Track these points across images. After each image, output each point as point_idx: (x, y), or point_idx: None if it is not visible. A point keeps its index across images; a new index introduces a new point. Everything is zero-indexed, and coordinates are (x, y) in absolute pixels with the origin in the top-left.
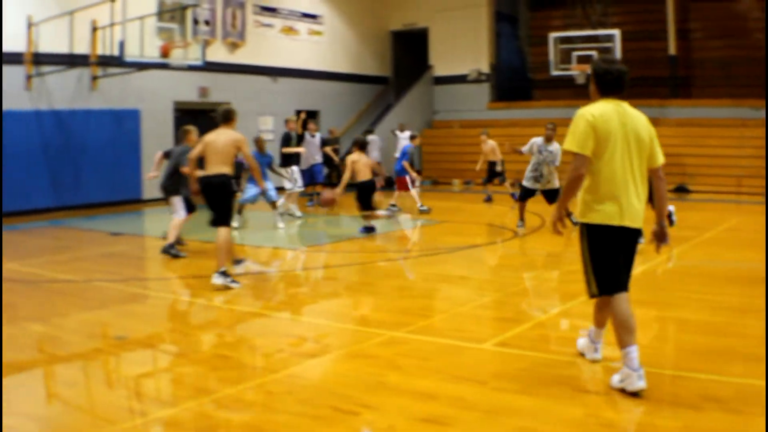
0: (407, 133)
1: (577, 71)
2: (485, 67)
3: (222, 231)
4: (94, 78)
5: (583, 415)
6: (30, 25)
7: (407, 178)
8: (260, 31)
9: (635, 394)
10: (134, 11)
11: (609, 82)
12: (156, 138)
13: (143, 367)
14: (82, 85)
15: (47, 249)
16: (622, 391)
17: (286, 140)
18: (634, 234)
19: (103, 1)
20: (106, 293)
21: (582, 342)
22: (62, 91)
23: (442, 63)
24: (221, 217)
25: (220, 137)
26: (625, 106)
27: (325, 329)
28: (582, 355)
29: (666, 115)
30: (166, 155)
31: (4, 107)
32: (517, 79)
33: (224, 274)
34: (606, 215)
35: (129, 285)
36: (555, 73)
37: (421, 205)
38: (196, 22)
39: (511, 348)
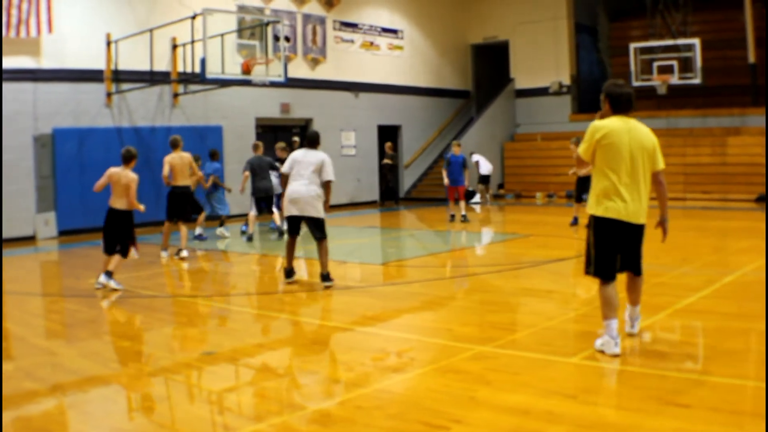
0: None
1: (659, 81)
2: (566, 79)
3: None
4: (175, 95)
5: (674, 428)
6: (109, 42)
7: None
8: (341, 47)
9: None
10: (214, 28)
11: (621, 103)
12: (238, 154)
13: (228, 381)
14: (163, 102)
15: (130, 264)
16: (601, 352)
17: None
18: (637, 229)
19: (183, 19)
20: (191, 308)
21: (599, 342)
22: (143, 108)
23: (523, 76)
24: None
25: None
26: (633, 121)
27: (413, 344)
28: (602, 352)
29: (747, 124)
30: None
31: (86, 124)
32: (598, 91)
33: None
34: (612, 210)
35: (213, 300)
36: (636, 83)
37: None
38: (276, 38)
39: (600, 362)
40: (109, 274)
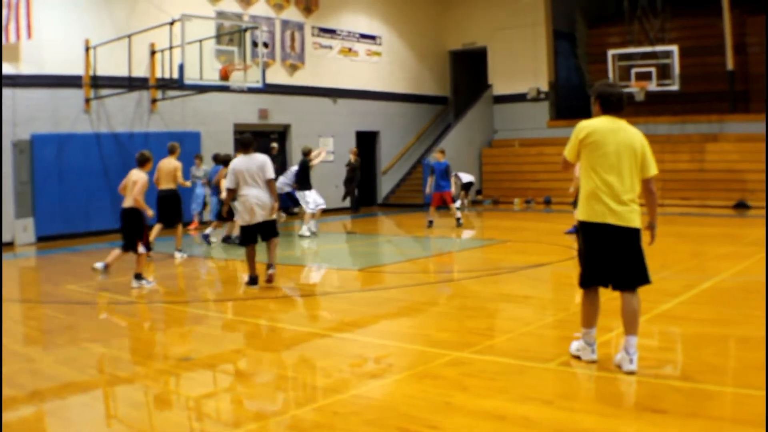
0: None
1: (637, 88)
2: (544, 86)
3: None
4: (154, 101)
5: None
6: (87, 48)
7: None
8: (319, 53)
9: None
10: (193, 34)
11: (612, 103)
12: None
13: (206, 387)
14: (141, 108)
15: (109, 271)
16: (578, 358)
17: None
18: (626, 232)
19: (162, 25)
20: (169, 314)
21: (575, 345)
22: (121, 114)
23: (501, 82)
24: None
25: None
26: (621, 122)
27: (391, 350)
28: (577, 357)
29: (725, 130)
30: None
31: (64, 130)
32: (576, 97)
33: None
34: (596, 213)
35: (191, 306)
36: None
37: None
38: (255, 44)
39: (577, 367)
40: (139, 276)
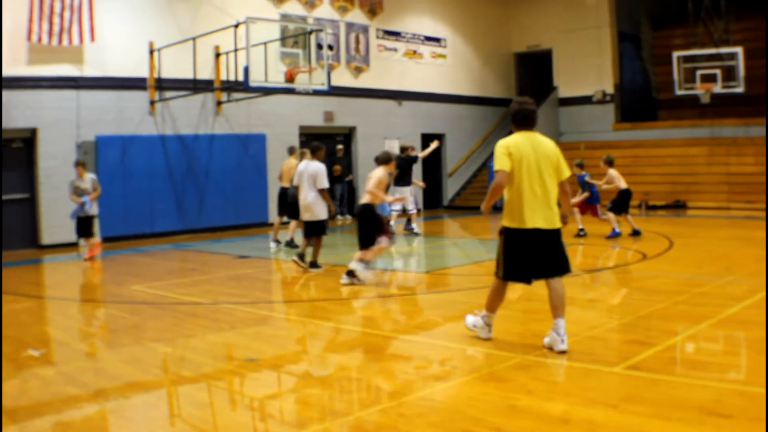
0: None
1: (702, 90)
2: (610, 88)
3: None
4: (219, 103)
5: None
6: (152, 50)
7: None
8: (384, 55)
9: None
10: (257, 37)
11: (521, 120)
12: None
13: (270, 388)
14: (206, 110)
15: (173, 271)
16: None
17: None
18: (552, 233)
19: (226, 27)
20: (234, 315)
21: (473, 320)
22: (186, 116)
23: (566, 84)
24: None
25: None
26: (536, 135)
27: (455, 352)
28: (474, 331)
29: None
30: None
31: (129, 132)
32: (641, 99)
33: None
34: (519, 220)
35: (256, 307)
36: (679, 92)
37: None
38: (320, 47)
39: (642, 371)
40: (354, 270)
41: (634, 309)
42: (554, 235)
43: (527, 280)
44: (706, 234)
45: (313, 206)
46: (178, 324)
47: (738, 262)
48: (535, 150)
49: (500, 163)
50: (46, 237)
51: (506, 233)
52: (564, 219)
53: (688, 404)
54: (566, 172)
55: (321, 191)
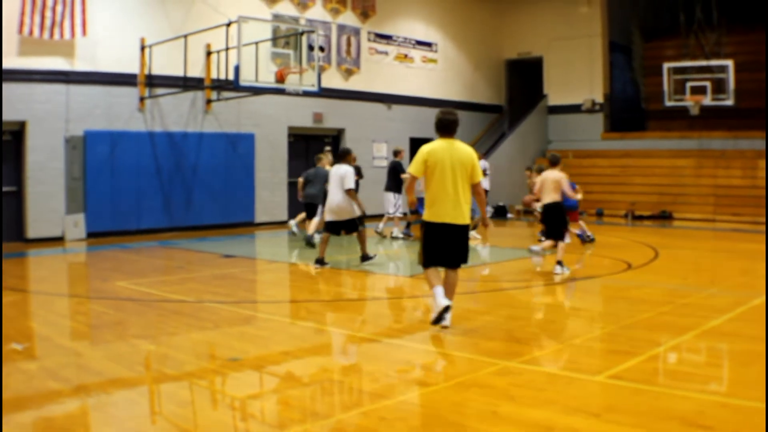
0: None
1: (692, 102)
2: (599, 97)
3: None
4: (208, 101)
5: None
6: (143, 47)
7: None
8: (375, 58)
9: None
10: (249, 36)
11: (441, 128)
12: (270, 162)
13: (252, 388)
14: (196, 108)
15: (158, 269)
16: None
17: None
18: (460, 228)
19: (218, 26)
20: (218, 314)
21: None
22: (176, 114)
23: (556, 92)
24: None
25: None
26: (454, 142)
27: (438, 357)
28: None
29: None
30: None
31: (118, 128)
32: (631, 110)
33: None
34: (436, 215)
35: (241, 307)
36: (669, 103)
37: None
38: (311, 48)
39: (625, 381)
40: (560, 263)
41: (618, 318)
42: (462, 230)
43: (441, 265)
44: (691, 245)
45: (345, 206)
46: (162, 321)
47: (723, 275)
48: (451, 155)
49: (413, 167)
50: (32, 231)
51: (425, 226)
52: (484, 221)
53: (670, 415)
54: (478, 177)
55: (348, 191)
